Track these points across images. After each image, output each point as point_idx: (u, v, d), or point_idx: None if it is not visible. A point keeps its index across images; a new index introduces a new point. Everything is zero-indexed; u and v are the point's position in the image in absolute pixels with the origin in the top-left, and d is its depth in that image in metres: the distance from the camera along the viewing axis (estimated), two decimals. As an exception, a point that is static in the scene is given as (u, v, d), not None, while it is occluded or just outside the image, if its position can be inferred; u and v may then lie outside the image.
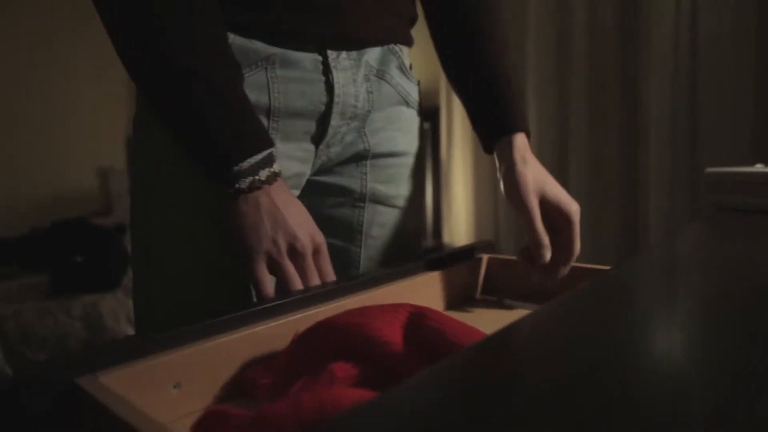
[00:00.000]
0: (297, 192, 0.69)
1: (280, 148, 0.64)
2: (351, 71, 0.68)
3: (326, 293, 0.53)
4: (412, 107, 0.78)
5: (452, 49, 0.76)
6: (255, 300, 0.58)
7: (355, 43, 0.68)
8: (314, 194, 0.73)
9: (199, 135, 0.53)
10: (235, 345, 0.44)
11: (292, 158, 0.66)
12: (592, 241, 2.29)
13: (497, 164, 0.72)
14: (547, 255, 0.65)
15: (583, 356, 0.25)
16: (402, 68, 0.75)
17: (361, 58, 0.69)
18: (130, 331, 2.17)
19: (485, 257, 0.77)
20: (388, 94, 0.73)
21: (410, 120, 0.78)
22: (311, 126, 0.67)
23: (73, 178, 3.50)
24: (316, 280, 0.56)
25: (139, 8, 0.51)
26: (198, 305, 0.60)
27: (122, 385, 0.35)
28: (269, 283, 0.55)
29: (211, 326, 0.43)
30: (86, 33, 3.35)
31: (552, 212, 0.67)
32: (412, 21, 0.76)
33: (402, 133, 0.77)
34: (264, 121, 0.63)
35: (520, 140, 0.70)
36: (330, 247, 0.73)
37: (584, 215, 2.24)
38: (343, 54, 0.67)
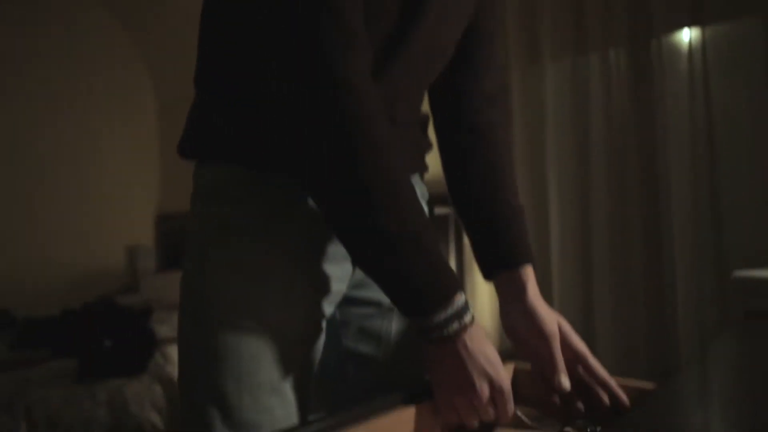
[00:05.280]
0: (332, 308, 0.72)
1: (326, 269, 0.68)
2: None
3: (356, 416, 0.56)
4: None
5: (459, 171, 0.79)
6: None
7: None
8: (348, 306, 0.76)
9: (407, 288, 0.58)
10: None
11: (336, 278, 0.70)
12: (619, 344, 2.23)
13: (500, 294, 0.74)
14: (567, 385, 0.67)
15: None
16: (422, 196, 0.80)
17: None
18: (154, 417, 2.15)
19: (512, 367, 0.77)
20: None
21: None
22: None
23: (102, 256, 3.60)
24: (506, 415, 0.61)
25: (352, 183, 0.55)
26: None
27: None
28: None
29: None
30: (119, 116, 3.55)
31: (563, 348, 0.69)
32: (427, 150, 0.82)
33: None
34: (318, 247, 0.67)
35: (530, 273, 0.72)
36: (362, 357, 0.78)
37: (609, 316, 2.23)
38: None
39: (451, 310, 0.57)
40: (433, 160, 0.85)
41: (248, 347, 0.64)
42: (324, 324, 0.72)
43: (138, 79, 3.67)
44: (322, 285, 0.69)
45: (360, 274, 0.74)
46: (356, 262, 0.59)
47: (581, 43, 2.46)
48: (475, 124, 0.77)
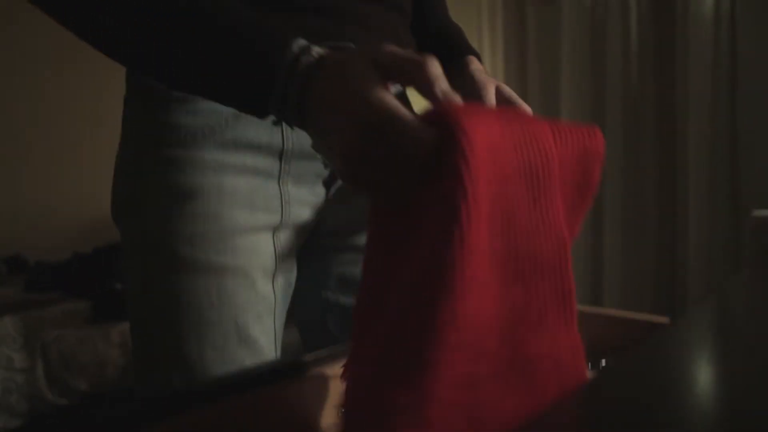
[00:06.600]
0: (300, 240, 0.67)
1: (293, 192, 0.63)
2: None
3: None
4: None
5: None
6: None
7: None
8: (327, 254, 0.72)
9: (222, 68, 0.43)
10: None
11: (305, 204, 0.64)
12: (627, 283, 2.23)
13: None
14: None
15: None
16: (404, 95, 0.76)
17: None
18: (166, 359, 2.19)
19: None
20: None
21: None
22: (322, 168, 0.65)
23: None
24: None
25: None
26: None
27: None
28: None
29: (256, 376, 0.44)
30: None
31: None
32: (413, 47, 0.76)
33: None
34: (275, 163, 0.60)
35: (473, 60, 0.72)
36: (344, 309, 0.71)
37: (619, 252, 2.23)
38: None
39: (281, 70, 0.41)
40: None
41: (206, 289, 0.55)
42: (294, 260, 0.66)
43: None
44: (284, 208, 0.61)
45: (335, 220, 0.68)
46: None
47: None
48: None
